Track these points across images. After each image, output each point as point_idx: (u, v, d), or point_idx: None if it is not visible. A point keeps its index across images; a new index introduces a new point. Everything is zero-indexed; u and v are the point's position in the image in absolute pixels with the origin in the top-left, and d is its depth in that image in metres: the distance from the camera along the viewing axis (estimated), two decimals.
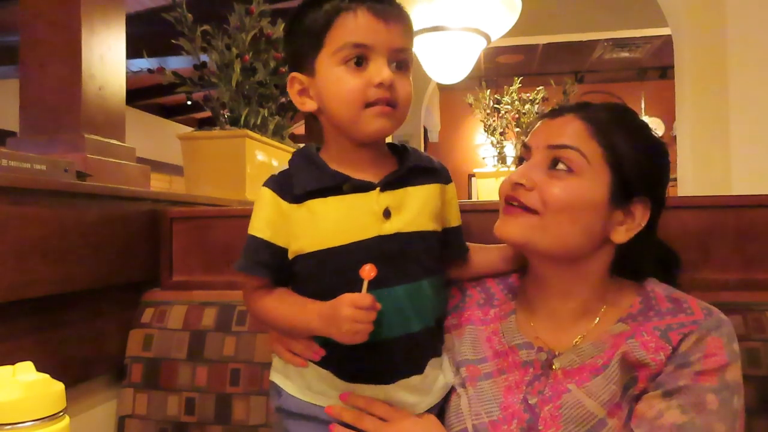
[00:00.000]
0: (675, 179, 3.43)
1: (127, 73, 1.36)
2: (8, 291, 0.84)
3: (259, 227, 0.78)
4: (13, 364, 0.61)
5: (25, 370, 0.61)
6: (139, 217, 1.14)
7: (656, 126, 7.69)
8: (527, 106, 3.94)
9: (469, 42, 2.76)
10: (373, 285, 0.70)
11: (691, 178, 2.87)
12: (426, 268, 0.79)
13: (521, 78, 4.13)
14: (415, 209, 0.78)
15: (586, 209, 0.73)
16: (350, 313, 0.68)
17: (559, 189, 0.73)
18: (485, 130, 4.22)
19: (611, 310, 0.78)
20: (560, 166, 0.74)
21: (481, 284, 0.89)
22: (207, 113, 1.78)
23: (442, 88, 6.48)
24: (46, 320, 0.95)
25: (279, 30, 1.71)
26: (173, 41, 1.65)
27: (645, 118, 7.52)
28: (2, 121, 3.69)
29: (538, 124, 0.81)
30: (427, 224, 0.79)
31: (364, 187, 0.76)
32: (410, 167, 0.80)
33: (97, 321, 1.07)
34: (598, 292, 0.79)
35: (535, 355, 0.77)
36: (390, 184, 0.77)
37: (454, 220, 0.85)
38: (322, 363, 0.78)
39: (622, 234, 0.75)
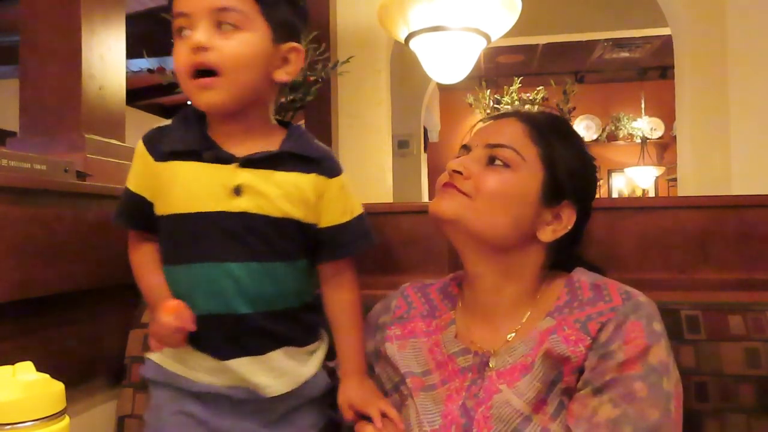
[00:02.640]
0: (675, 179, 3.42)
1: (127, 73, 1.36)
2: (8, 291, 0.84)
3: (129, 177, 0.82)
4: (13, 364, 0.61)
5: (25, 370, 0.61)
6: None
7: (656, 126, 7.70)
8: (527, 106, 3.94)
9: (469, 42, 2.75)
10: (207, 258, 0.75)
11: (691, 178, 2.87)
12: (278, 252, 0.78)
13: (521, 78, 4.13)
14: (273, 194, 0.77)
15: (518, 201, 0.77)
16: (157, 330, 0.76)
17: (494, 180, 0.77)
18: None
19: (541, 304, 0.80)
20: (497, 162, 0.78)
21: (425, 294, 0.91)
22: None
23: (442, 88, 6.47)
24: (46, 320, 0.95)
25: None
26: (173, 41, 1.65)
27: (645, 118, 7.54)
28: (2, 121, 3.69)
29: (479, 125, 0.85)
30: (287, 211, 0.78)
31: (223, 159, 0.76)
32: (284, 151, 0.79)
33: (97, 321, 1.07)
34: (527, 289, 0.81)
35: (472, 359, 0.79)
36: (253, 162, 0.76)
37: (331, 219, 0.82)
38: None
39: (548, 233, 0.79)
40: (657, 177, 7.39)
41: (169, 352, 0.82)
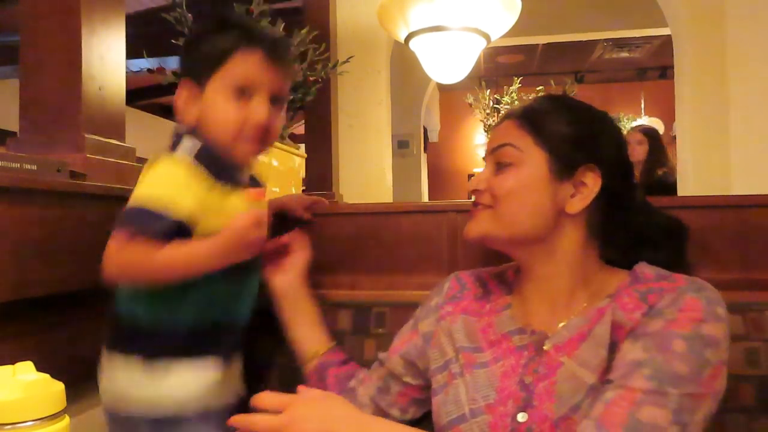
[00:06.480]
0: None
1: (127, 73, 1.36)
2: (8, 291, 0.84)
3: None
4: (13, 364, 0.61)
5: (25, 370, 0.61)
6: None
7: (656, 126, 7.69)
8: None
9: (469, 42, 2.75)
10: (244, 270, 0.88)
11: (691, 178, 2.87)
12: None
13: (521, 78, 4.14)
14: None
15: (529, 190, 0.79)
16: (252, 227, 0.80)
17: (502, 182, 0.81)
18: (485, 130, 4.24)
19: (601, 291, 0.80)
20: (501, 161, 0.82)
21: (479, 278, 0.93)
22: None
23: (442, 88, 6.48)
24: (46, 320, 0.95)
25: (279, 30, 1.71)
26: (173, 41, 1.65)
27: (645, 118, 7.55)
28: (2, 121, 3.70)
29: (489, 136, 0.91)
30: None
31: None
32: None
33: (97, 321, 1.06)
34: (579, 273, 0.81)
35: (528, 338, 0.80)
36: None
37: None
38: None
39: (576, 204, 0.79)
40: None
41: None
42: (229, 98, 0.84)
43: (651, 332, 0.69)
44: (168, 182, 0.82)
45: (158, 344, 0.85)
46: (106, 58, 1.25)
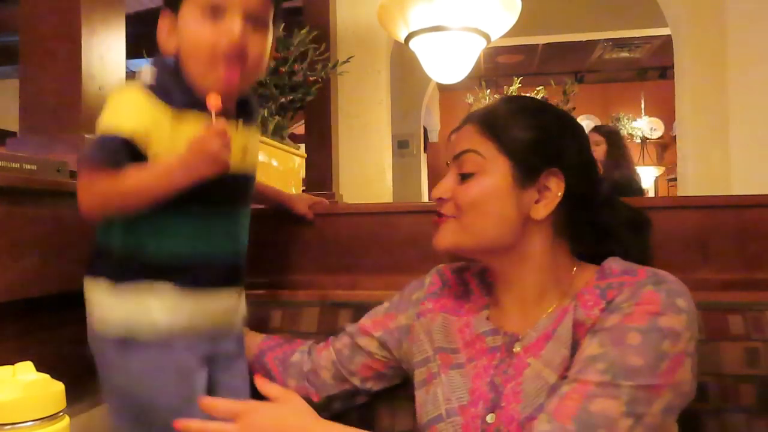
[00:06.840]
0: (675, 179, 3.43)
1: (127, 73, 1.36)
2: (8, 291, 0.84)
3: (122, 122, 0.80)
4: (13, 364, 0.61)
5: (25, 370, 0.61)
6: None
7: (656, 126, 7.70)
8: None
9: (469, 42, 2.75)
10: (223, 206, 0.87)
11: (691, 178, 2.87)
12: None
13: (521, 78, 4.14)
14: (255, 151, 0.93)
15: (492, 200, 0.78)
16: (213, 139, 0.76)
17: (467, 192, 0.80)
18: None
19: (570, 291, 0.80)
20: (464, 170, 0.80)
21: (461, 276, 0.93)
22: None
23: (442, 88, 6.48)
24: (46, 320, 0.95)
25: (279, 30, 1.71)
26: None
27: (645, 118, 7.53)
28: (2, 121, 3.70)
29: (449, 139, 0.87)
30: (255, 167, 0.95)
31: (229, 115, 0.85)
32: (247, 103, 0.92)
33: None
34: (550, 274, 0.81)
35: (501, 340, 0.80)
36: (244, 121, 0.89)
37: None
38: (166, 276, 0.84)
39: (541, 210, 0.78)
40: (657, 177, 7.40)
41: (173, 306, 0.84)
42: (200, 20, 0.82)
43: (608, 327, 0.70)
44: (116, 107, 0.82)
45: (125, 270, 0.84)
46: (106, 58, 1.25)
